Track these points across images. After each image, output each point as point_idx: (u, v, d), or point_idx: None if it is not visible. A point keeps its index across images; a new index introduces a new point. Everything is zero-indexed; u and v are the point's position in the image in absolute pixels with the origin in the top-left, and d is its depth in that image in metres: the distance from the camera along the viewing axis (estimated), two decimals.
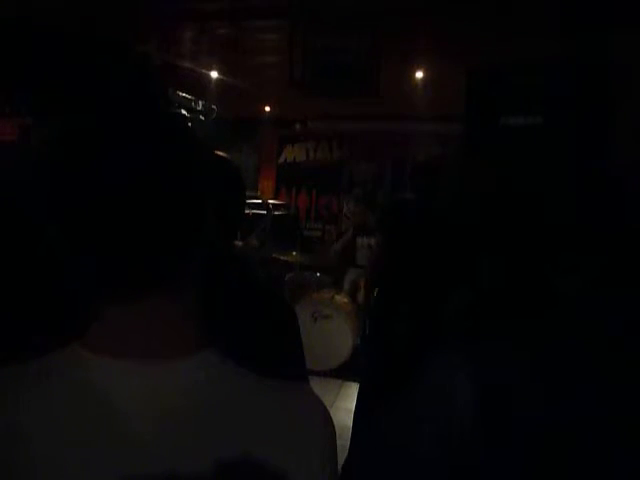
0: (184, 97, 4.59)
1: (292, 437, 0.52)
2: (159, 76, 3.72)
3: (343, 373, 4.39)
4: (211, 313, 0.57)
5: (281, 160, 7.05)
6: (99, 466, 0.45)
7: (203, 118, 4.84)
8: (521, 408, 0.53)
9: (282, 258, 5.07)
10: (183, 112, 4.54)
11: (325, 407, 0.58)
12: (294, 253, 5.18)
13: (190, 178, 0.51)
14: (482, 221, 0.66)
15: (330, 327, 4.49)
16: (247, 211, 3.65)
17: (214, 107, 4.93)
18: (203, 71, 4.18)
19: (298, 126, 6.46)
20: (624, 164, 0.65)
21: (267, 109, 5.89)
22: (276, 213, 5.68)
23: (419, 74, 3.94)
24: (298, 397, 0.57)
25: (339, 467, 0.60)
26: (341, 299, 4.86)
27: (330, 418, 0.57)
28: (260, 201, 5.46)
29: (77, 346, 0.50)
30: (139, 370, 0.48)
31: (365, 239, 5.31)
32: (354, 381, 4.00)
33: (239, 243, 4.18)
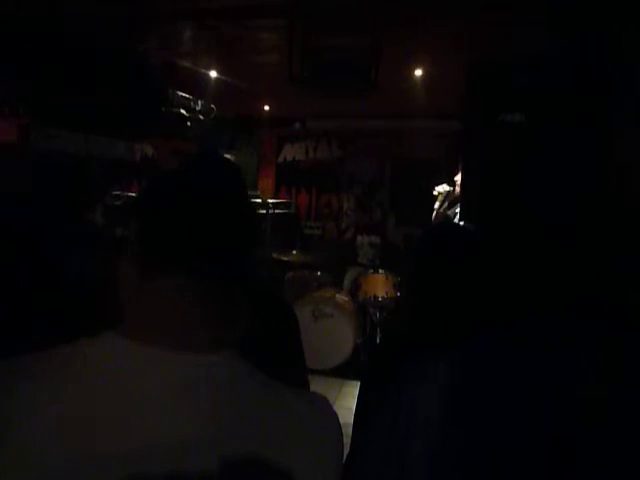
0: (183, 97, 4.59)
1: (306, 442, 0.54)
2: (159, 76, 3.71)
3: (344, 372, 4.39)
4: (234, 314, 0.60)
5: (280, 159, 7.05)
6: (129, 448, 0.47)
7: (202, 118, 4.84)
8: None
9: (282, 257, 5.07)
10: (182, 112, 4.54)
11: (336, 415, 0.60)
12: (294, 252, 5.18)
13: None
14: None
15: (331, 326, 4.49)
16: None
17: (213, 106, 4.93)
18: (202, 70, 4.17)
19: (297, 125, 6.45)
20: (623, 162, 0.64)
21: (266, 108, 5.89)
22: (277, 212, 5.68)
23: (418, 72, 3.93)
24: (313, 403, 0.59)
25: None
26: (342, 298, 4.85)
27: (339, 424, 0.59)
28: (260, 200, 5.47)
29: (113, 334, 0.52)
30: (171, 360, 0.51)
31: (366, 238, 5.31)
32: (355, 380, 4.01)
33: None
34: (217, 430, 0.50)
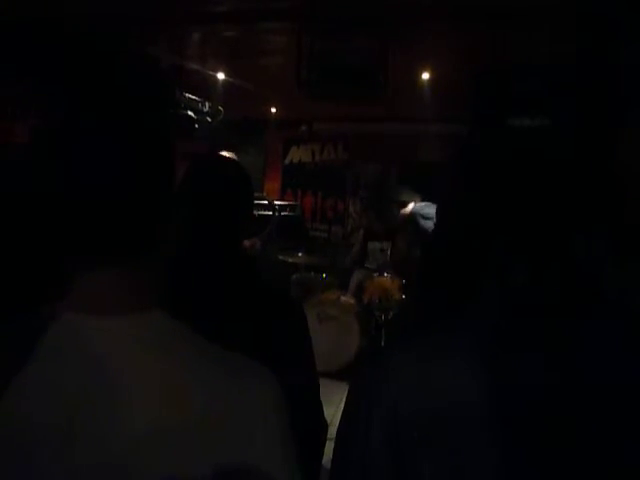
0: (191, 98, 4.61)
1: (234, 399, 0.56)
2: (167, 77, 3.74)
3: (348, 375, 4.39)
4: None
5: (287, 161, 7.06)
6: (65, 400, 0.51)
7: (210, 120, 4.86)
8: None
9: (288, 259, 5.07)
10: (190, 113, 4.56)
11: (272, 375, 0.61)
12: (300, 254, 5.19)
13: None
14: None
15: (335, 328, 4.49)
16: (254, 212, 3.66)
17: (221, 108, 4.95)
18: (210, 73, 4.19)
19: (304, 128, 6.46)
20: (628, 167, 0.65)
21: (273, 110, 5.91)
22: (282, 214, 5.68)
23: (426, 76, 3.94)
24: (243, 363, 0.61)
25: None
26: (347, 300, 4.85)
27: (276, 384, 0.60)
28: (266, 202, 5.48)
29: (58, 306, 0.56)
30: (108, 324, 0.55)
31: (377, 244, 5.30)
32: None
33: (246, 243, 4.19)
34: (147, 381, 0.53)
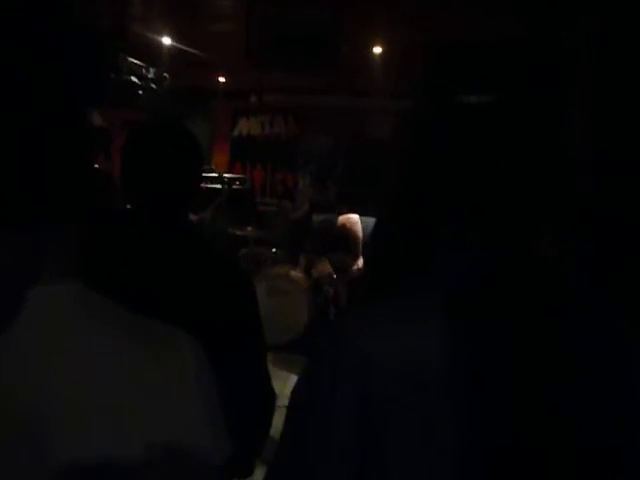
0: (134, 63, 4.39)
1: (158, 369, 0.54)
2: (107, 40, 3.53)
3: (297, 349, 4.42)
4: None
5: (235, 133, 6.91)
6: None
7: (155, 87, 4.66)
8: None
9: (237, 232, 5.02)
10: (133, 79, 4.35)
11: (194, 342, 0.59)
12: (249, 228, 5.14)
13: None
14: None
15: (285, 302, 4.49)
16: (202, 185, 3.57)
17: (166, 75, 4.75)
18: (155, 37, 4.00)
19: (253, 98, 6.32)
20: (576, 146, 0.67)
21: (221, 80, 5.73)
22: (232, 187, 5.59)
23: (378, 49, 3.92)
24: (166, 333, 0.58)
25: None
26: (297, 274, 4.86)
27: (198, 350, 0.58)
28: (215, 175, 5.36)
29: None
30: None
31: (321, 216, 5.29)
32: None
33: (193, 217, 4.11)
34: (62, 350, 0.50)
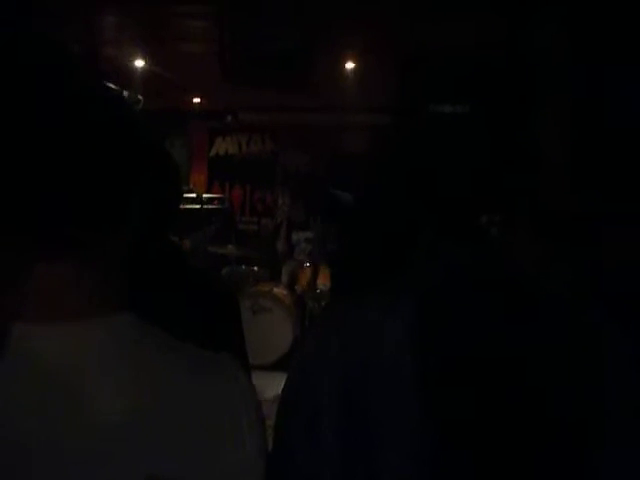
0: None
1: (213, 407, 0.54)
2: (80, 64, 3.50)
3: (283, 368, 4.37)
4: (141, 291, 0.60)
5: (212, 153, 6.89)
6: (52, 426, 0.47)
7: None
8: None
9: (218, 251, 4.99)
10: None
11: (246, 379, 0.61)
12: (229, 246, 5.10)
13: (117, 159, 0.52)
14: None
15: (270, 320, 4.45)
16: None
17: (140, 98, 4.73)
18: (128, 60, 3.99)
19: (229, 118, 6.32)
20: (553, 152, 0.68)
21: (196, 100, 5.73)
22: (210, 207, 5.56)
23: (351, 65, 3.96)
24: (219, 366, 0.60)
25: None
26: (280, 291, 4.83)
27: (251, 389, 0.60)
28: (194, 195, 5.32)
29: (21, 321, 0.49)
30: (70, 331, 0.50)
31: (301, 234, 5.29)
32: None
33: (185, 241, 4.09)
34: (116, 383, 0.50)
